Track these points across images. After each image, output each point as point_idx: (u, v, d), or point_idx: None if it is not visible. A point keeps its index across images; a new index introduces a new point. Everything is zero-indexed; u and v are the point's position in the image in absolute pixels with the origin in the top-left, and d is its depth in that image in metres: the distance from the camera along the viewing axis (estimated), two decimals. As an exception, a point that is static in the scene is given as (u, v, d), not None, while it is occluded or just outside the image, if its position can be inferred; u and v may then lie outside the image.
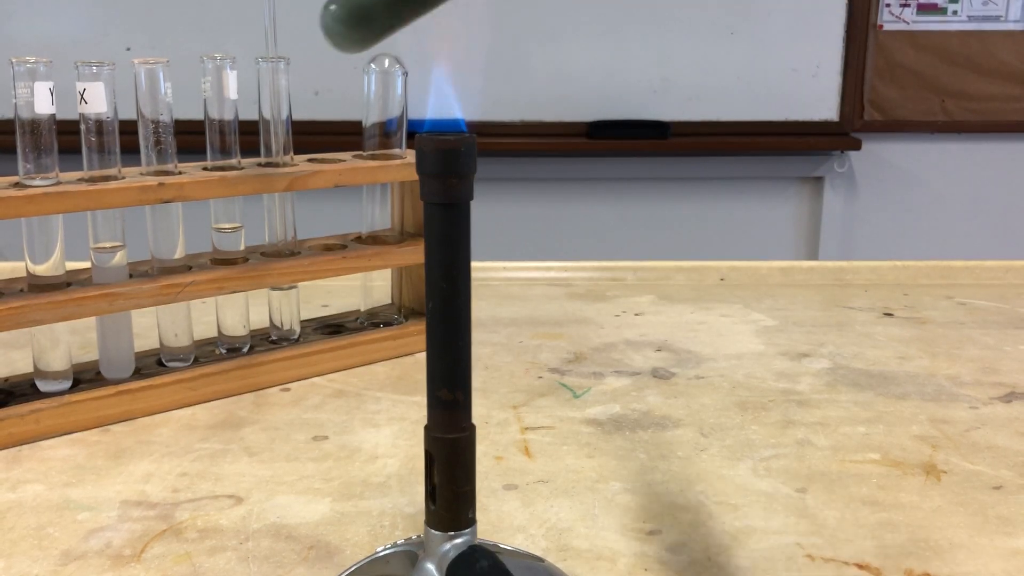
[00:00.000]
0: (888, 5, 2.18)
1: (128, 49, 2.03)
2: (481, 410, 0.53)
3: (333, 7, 0.31)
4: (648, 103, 2.15)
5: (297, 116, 0.57)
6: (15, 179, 0.48)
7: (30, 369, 0.52)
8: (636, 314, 0.72)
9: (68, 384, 0.51)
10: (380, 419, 0.52)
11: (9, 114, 0.48)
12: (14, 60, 0.46)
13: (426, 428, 0.31)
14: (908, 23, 2.19)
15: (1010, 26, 2.20)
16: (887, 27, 2.19)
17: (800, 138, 2.19)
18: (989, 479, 0.46)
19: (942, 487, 0.45)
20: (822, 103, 2.19)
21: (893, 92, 2.21)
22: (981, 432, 0.51)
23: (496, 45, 2.08)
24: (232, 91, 0.54)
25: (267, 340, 0.59)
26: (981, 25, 2.20)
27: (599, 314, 0.72)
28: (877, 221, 2.29)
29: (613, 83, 2.14)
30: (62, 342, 0.51)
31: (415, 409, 0.53)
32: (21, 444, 0.48)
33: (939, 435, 0.51)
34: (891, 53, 2.20)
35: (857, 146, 2.19)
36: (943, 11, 2.19)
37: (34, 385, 0.51)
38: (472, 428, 0.31)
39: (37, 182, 0.48)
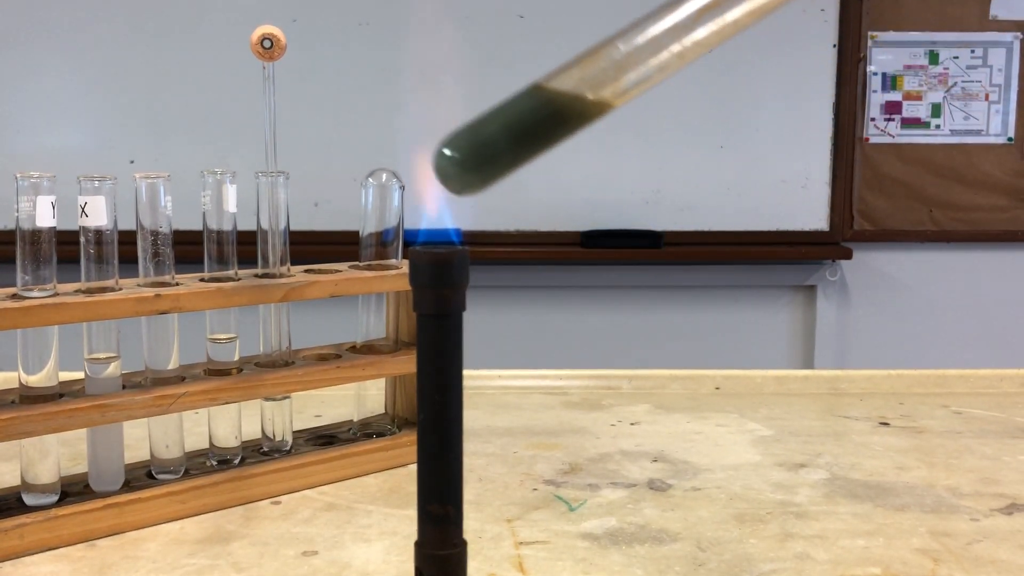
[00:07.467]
0: (873, 119, 2.24)
1: (132, 162, 2.08)
2: (474, 524, 0.52)
3: (450, 152, 0.29)
4: (641, 213, 2.19)
5: (296, 226, 0.58)
6: (12, 290, 0.49)
7: (17, 482, 0.51)
8: (632, 423, 0.72)
9: (55, 497, 0.50)
10: (371, 533, 0.51)
11: (10, 225, 0.49)
12: (18, 175, 0.47)
13: (416, 544, 0.31)
14: (893, 136, 2.25)
15: (991, 139, 2.26)
16: (873, 140, 2.25)
17: (792, 247, 2.22)
18: (994, 595, 0.45)
19: (946, 603, 0.44)
20: (812, 214, 2.23)
21: (882, 202, 2.25)
22: (983, 545, 0.50)
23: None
24: (231, 204, 0.55)
25: (259, 451, 0.58)
26: (964, 139, 2.26)
27: (595, 423, 0.71)
28: (871, 329, 2.30)
29: (606, 194, 2.18)
30: (52, 453, 0.50)
31: (407, 523, 0.52)
32: (3, 561, 0.47)
33: (940, 548, 0.50)
34: (878, 165, 2.25)
35: (848, 255, 2.22)
36: (926, 125, 2.26)
37: (20, 499, 0.50)
38: (464, 544, 0.31)
39: (34, 293, 0.48)
